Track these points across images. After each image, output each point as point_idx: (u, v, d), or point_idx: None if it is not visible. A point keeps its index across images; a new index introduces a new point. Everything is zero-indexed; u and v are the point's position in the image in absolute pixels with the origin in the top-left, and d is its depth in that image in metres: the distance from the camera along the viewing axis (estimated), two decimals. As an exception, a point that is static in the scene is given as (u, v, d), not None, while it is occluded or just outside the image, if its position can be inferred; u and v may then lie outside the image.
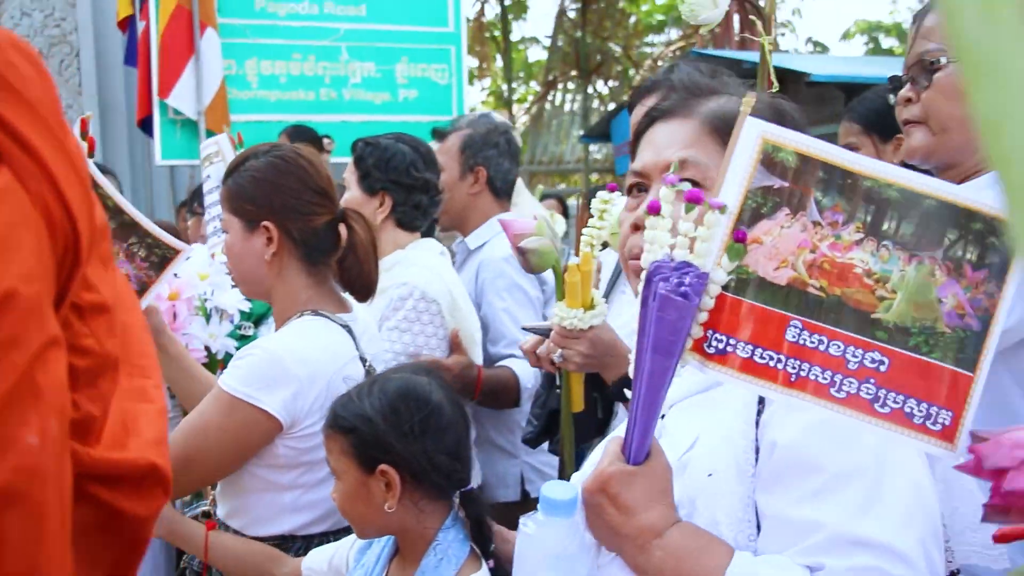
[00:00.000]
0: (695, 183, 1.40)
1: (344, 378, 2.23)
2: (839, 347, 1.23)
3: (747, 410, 1.38)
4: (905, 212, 1.23)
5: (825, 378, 1.24)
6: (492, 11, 18.24)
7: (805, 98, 6.94)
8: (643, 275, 1.27)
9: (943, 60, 1.87)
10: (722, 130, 1.43)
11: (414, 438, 1.84)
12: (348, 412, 1.89)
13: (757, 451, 1.35)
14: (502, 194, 3.59)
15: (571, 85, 20.03)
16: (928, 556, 1.24)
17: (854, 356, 1.23)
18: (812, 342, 1.24)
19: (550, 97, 20.22)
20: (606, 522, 1.34)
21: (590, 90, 19.57)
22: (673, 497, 1.34)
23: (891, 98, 2.05)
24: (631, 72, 19.62)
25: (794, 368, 1.25)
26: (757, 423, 1.36)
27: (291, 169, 2.33)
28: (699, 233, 1.23)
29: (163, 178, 6.48)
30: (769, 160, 1.23)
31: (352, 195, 3.10)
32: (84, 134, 2.37)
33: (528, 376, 3.15)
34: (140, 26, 5.56)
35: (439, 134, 3.67)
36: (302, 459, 2.22)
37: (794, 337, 1.24)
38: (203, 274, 3.15)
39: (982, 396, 1.24)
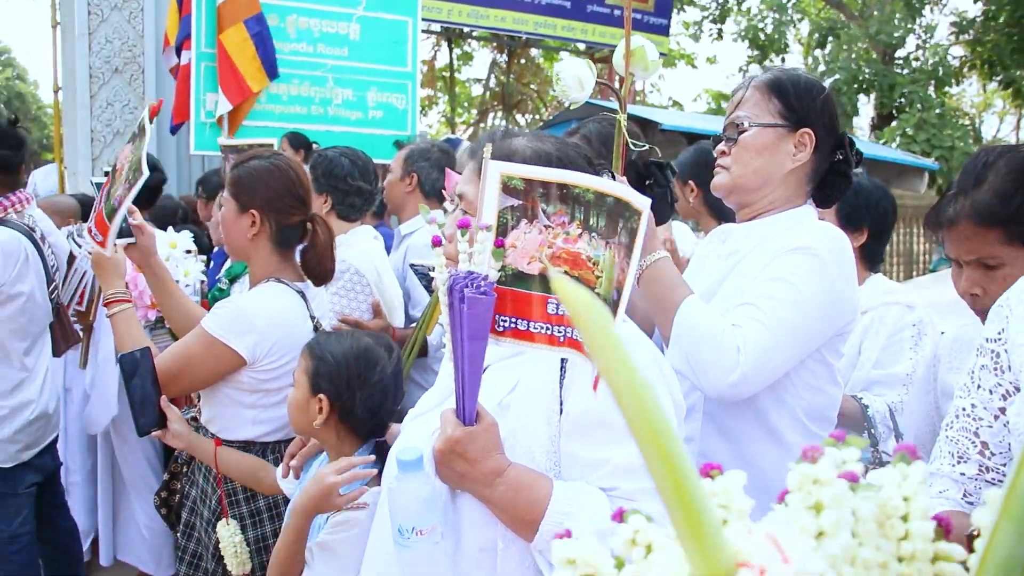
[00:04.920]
0: (466, 213, 1.42)
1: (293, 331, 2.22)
2: None
3: (551, 373, 1.36)
4: (599, 209, 1.23)
5: (579, 336, 1.24)
6: (444, 58, 18.13)
7: (657, 141, 7.06)
8: (443, 288, 1.25)
9: (747, 124, 1.80)
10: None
11: (352, 388, 1.79)
12: (322, 346, 1.85)
13: (561, 404, 1.34)
14: (430, 195, 3.54)
15: (498, 115, 19.94)
16: None
17: None
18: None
19: (483, 124, 20.12)
20: (457, 472, 1.30)
21: (511, 120, 19.51)
22: (502, 445, 1.31)
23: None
24: (541, 108, 19.62)
25: (560, 332, 1.26)
26: (561, 383, 1.35)
27: (281, 176, 2.28)
28: (475, 248, 1.25)
29: (196, 164, 6.47)
30: (506, 187, 1.24)
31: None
32: (151, 116, 2.31)
33: (435, 334, 3.03)
34: (184, 55, 5.48)
35: (399, 145, 3.69)
36: (260, 387, 2.20)
37: (554, 310, 1.26)
38: (172, 242, 3.17)
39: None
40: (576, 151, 1.47)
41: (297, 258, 2.37)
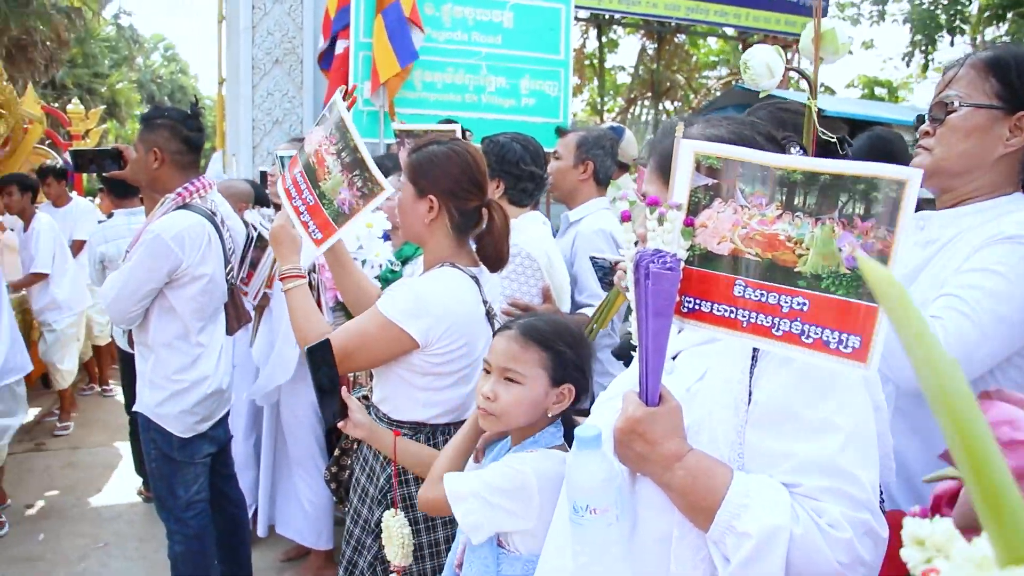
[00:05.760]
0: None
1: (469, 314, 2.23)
2: (775, 296, 1.21)
3: (743, 361, 1.32)
4: (809, 188, 1.19)
5: (767, 321, 1.22)
6: (592, 44, 18.01)
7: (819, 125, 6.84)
8: (630, 264, 1.25)
9: (957, 104, 1.71)
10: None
11: (589, 369, 1.80)
12: (549, 335, 1.79)
13: (750, 394, 1.30)
14: (602, 183, 3.58)
15: (646, 103, 19.72)
16: (876, 492, 1.24)
17: (785, 302, 1.21)
18: (755, 295, 1.23)
19: (631, 111, 19.94)
20: (636, 453, 1.29)
21: (660, 107, 19.25)
22: (685, 429, 1.30)
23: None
24: (691, 96, 19.29)
25: (744, 316, 1.24)
26: (752, 373, 1.31)
27: (459, 161, 2.27)
28: (664, 227, 1.25)
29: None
30: (700, 166, 1.24)
31: None
32: (348, 95, 2.37)
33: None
34: (341, 44, 5.68)
35: (561, 132, 3.69)
36: (432, 370, 2.21)
37: (740, 292, 1.24)
38: (369, 223, 3.25)
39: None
40: (752, 129, 1.44)
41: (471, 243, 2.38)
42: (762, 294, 1.23)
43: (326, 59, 5.97)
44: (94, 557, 4.52)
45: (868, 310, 1.15)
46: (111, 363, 8.14)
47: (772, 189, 1.21)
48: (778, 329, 1.21)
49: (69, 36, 22.48)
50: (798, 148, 1.47)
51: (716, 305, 1.26)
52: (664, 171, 1.41)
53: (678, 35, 16.06)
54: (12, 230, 6.90)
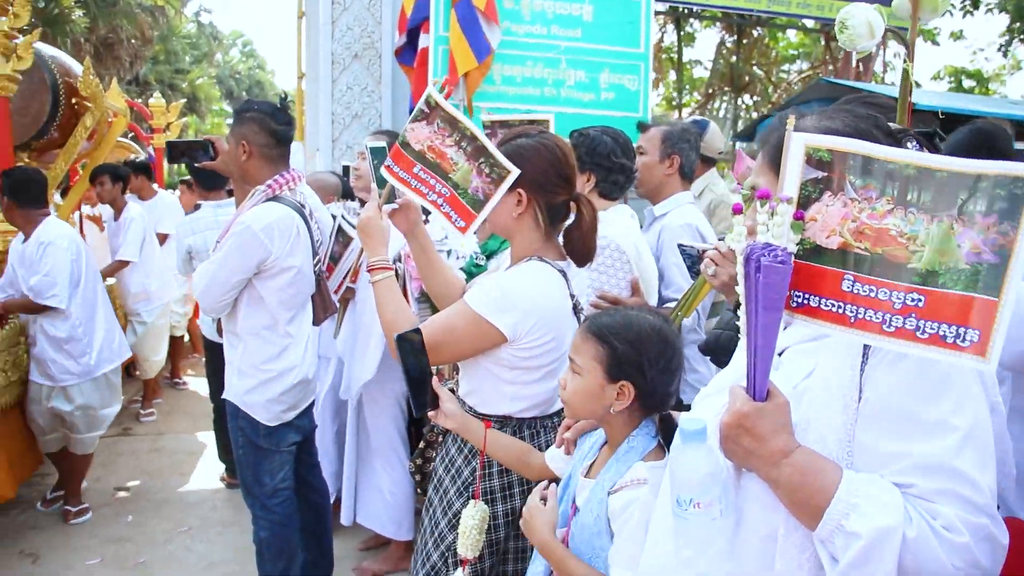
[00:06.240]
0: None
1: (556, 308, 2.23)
2: (886, 292, 1.20)
3: (852, 358, 1.30)
4: (923, 184, 1.17)
5: (878, 317, 1.21)
6: (669, 38, 17.83)
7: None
8: (740, 258, 1.26)
9: None
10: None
11: (655, 370, 1.75)
12: (611, 330, 1.78)
13: (860, 392, 1.28)
14: (688, 176, 3.57)
15: (725, 98, 19.45)
16: (994, 497, 1.21)
17: (897, 298, 1.19)
18: (864, 291, 1.22)
19: (709, 106, 19.70)
20: (743, 448, 1.29)
21: (739, 102, 18.97)
22: (792, 426, 1.29)
23: None
24: (770, 91, 18.97)
25: (852, 312, 1.22)
26: (862, 370, 1.29)
27: (549, 155, 2.24)
28: (774, 220, 1.25)
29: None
30: (811, 159, 1.23)
31: None
32: (442, 89, 2.38)
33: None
34: (424, 38, 5.73)
35: (643, 126, 3.67)
36: (520, 364, 2.21)
37: (849, 287, 1.23)
38: None
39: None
40: (870, 123, 1.41)
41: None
42: (871, 289, 1.21)
43: (405, 54, 6.03)
44: (179, 540, 4.66)
45: (987, 304, 1.14)
46: (184, 356, 8.38)
47: (883, 183, 1.20)
48: (889, 325, 1.20)
49: (153, 34, 23.21)
50: (915, 143, 1.43)
51: (824, 300, 1.25)
52: (775, 163, 1.40)
53: (757, 28, 15.82)
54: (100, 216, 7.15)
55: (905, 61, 1.77)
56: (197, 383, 8.14)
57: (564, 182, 2.27)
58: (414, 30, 5.88)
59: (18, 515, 4.89)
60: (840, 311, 1.24)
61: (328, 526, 3.73)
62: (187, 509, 5.12)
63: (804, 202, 1.25)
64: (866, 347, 1.29)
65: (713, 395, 1.51)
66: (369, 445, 4.14)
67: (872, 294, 1.21)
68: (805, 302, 1.27)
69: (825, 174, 1.23)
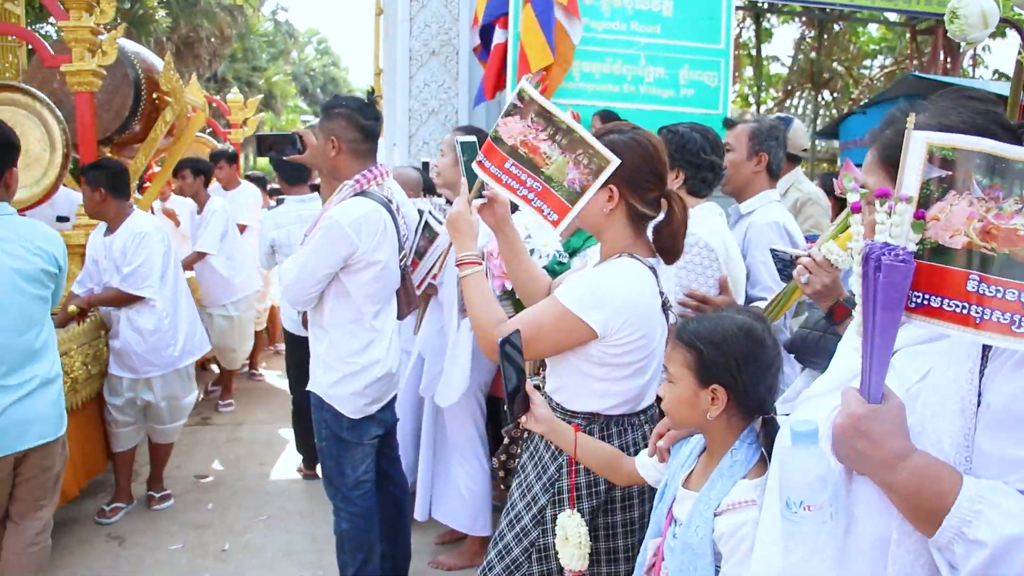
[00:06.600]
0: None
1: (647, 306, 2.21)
2: (1014, 293, 1.16)
3: (970, 361, 1.27)
4: None
5: (1006, 319, 1.16)
6: (746, 34, 17.57)
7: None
8: (859, 257, 1.23)
9: None
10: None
11: (746, 371, 1.72)
12: (697, 335, 1.77)
13: (980, 396, 1.25)
14: (773, 175, 3.53)
15: (804, 94, 19.11)
16: None
17: None
18: (990, 291, 1.17)
19: (787, 103, 19.38)
20: (857, 451, 1.26)
21: (819, 98, 18.61)
22: (908, 429, 1.25)
23: None
24: (851, 86, 18.55)
25: (978, 313, 1.18)
26: (982, 373, 1.26)
27: (641, 151, 2.22)
28: (893, 220, 1.21)
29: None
30: (933, 158, 1.20)
31: None
32: (539, 85, 2.40)
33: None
34: (500, 34, 5.74)
35: (729, 123, 3.64)
36: (609, 361, 2.20)
37: (974, 288, 1.19)
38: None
39: None
40: (987, 119, 1.36)
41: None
42: (998, 290, 1.17)
43: (484, 50, 6.06)
44: (258, 529, 4.77)
45: None
46: (262, 348, 8.56)
47: (1011, 182, 1.16)
48: (1019, 326, 1.16)
49: (231, 32, 23.77)
50: None
51: (948, 300, 1.21)
52: (887, 161, 1.37)
53: (838, 23, 15.50)
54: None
55: (1020, 52, 1.70)
56: (271, 375, 8.34)
57: (656, 178, 2.25)
58: (488, 27, 5.91)
59: (105, 497, 5.05)
60: (965, 312, 1.20)
61: (407, 519, 3.77)
62: (266, 498, 5.22)
63: (924, 201, 1.21)
64: (985, 350, 1.26)
65: (818, 396, 1.49)
66: (446, 441, 4.18)
67: (1000, 295, 1.17)
68: (925, 302, 1.23)
69: (949, 173, 1.20)
